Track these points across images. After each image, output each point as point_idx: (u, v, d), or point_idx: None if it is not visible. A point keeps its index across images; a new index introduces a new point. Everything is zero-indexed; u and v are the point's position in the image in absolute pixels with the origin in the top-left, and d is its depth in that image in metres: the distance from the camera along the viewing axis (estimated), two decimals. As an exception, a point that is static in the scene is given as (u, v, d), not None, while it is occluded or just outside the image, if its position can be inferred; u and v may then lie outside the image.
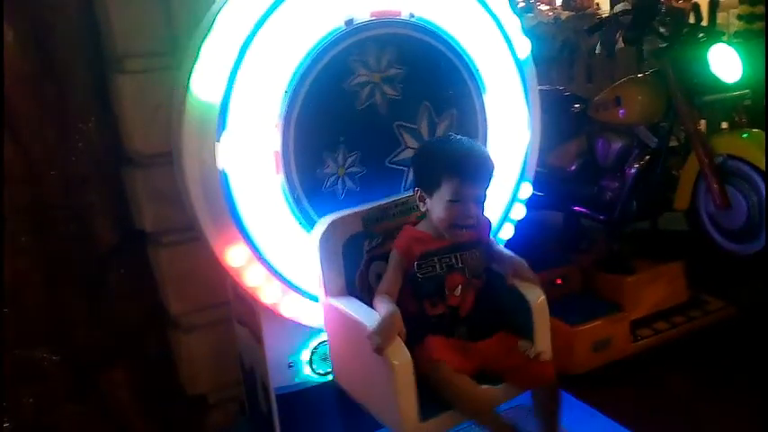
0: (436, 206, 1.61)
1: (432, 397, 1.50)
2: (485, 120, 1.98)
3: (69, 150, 2.01)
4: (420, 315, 1.61)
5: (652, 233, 3.12)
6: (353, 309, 1.61)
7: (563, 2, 7.90)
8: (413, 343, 1.49)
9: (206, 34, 1.59)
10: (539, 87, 2.11)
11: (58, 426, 2.06)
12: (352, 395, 1.71)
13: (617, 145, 2.86)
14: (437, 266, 1.62)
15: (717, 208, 2.70)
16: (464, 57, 1.91)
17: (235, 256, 1.68)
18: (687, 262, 2.91)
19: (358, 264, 1.70)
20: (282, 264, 1.72)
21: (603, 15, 5.69)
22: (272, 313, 1.76)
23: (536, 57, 2.09)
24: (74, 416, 2.08)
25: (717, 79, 2.66)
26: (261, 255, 1.69)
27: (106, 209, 2.08)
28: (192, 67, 1.59)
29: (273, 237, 1.70)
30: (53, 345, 2.05)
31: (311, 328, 1.82)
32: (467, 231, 1.62)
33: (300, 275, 1.75)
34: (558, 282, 2.80)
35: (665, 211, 2.94)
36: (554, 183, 3.02)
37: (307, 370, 1.89)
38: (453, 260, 1.63)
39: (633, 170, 2.78)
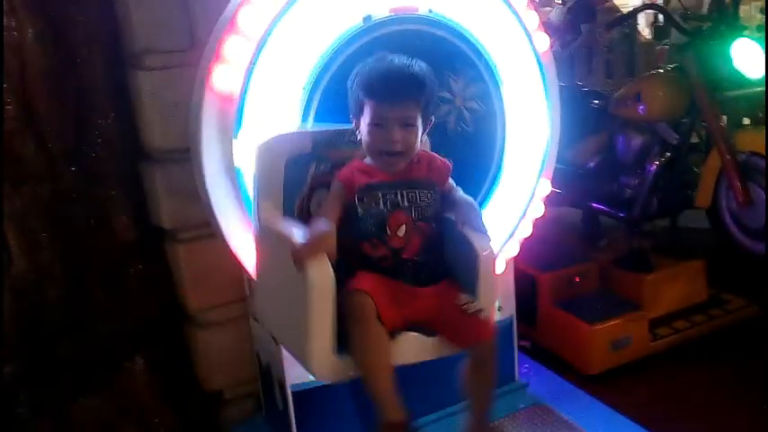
0: (363, 132, 1.50)
1: None
2: (503, 116, 1.97)
3: (89, 146, 2.02)
4: (360, 255, 1.49)
5: (672, 231, 3.08)
6: (285, 226, 1.48)
7: (581, -5, 7.80)
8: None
9: (224, 31, 1.59)
10: (558, 83, 2.08)
11: (76, 419, 2.07)
12: (269, 327, 1.58)
13: (637, 141, 2.82)
14: (380, 203, 1.49)
15: (739, 205, 2.66)
16: (482, 52, 1.89)
17: (251, 253, 1.68)
18: (707, 260, 2.87)
19: (300, 188, 1.57)
20: (299, 261, 1.71)
21: (623, 10, 5.61)
22: (289, 310, 1.76)
23: (553, 51, 2.06)
24: (92, 410, 2.10)
25: (740, 75, 2.62)
26: (277, 252, 1.69)
27: (125, 204, 2.09)
28: (210, 63, 1.59)
29: (290, 234, 1.70)
30: (72, 339, 2.06)
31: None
32: (396, 159, 1.49)
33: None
34: (577, 279, 2.77)
35: (685, 208, 2.90)
36: (572, 179, 2.99)
37: (323, 367, 1.89)
38: (399, 198, 1.50)
39: (654, 167, 2.74)
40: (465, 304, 1.46)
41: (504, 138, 1.98)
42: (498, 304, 2.14)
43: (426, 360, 1.49)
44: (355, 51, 1.68)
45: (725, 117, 2.82)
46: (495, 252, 1.51)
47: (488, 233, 1.53)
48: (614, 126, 2.94)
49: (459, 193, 1.59)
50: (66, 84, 1.97)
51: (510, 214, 2.06)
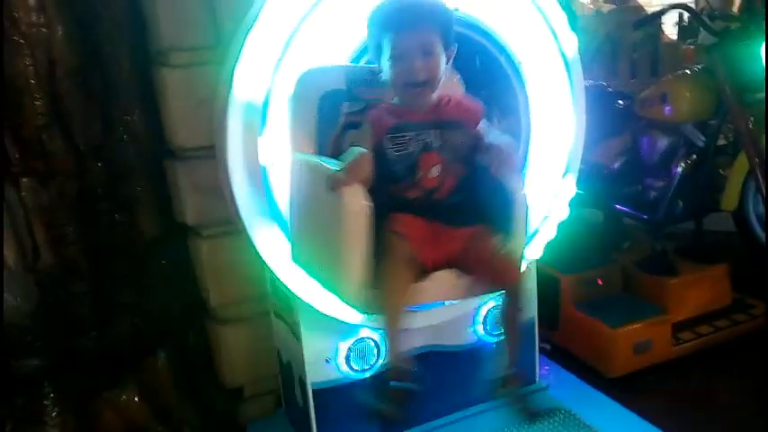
0: (386, 71, 1.48)
1: None
2: (528, 115, 1.95)
3: (115, 142, 2.04)
4: (393, 198, 1.48)
5: (697, 234, 3.04)
6: (319, 158, 1.48)
7: (604, -6, 7.71)
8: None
9: (250, 29, 1.59)
10: (585, 83, 2.06)
11: (99, 413, 2.10)
12: (307, 271, 1.59)
13: (663, 143, 2.78)
14: (410, 144, 1.47)
15: (766, 209, 2.61)
16: (507, 52, 1.87)
17: (274, 251, 1.69)
18: (732, 264, 2.83)
19: (333, 126, 1.56)
20: (322, 259, 1.72)
21: (649, 9, 5.54)
22: (310, 308, 1.76)
23: (581, 50, 2.04)
24: (115, 403, 2.12)
25: (769, 76, 2.57)
26: (300, 250, 1.69)
27: (149, 201, 2.11)
28: (236, 62, 1.59)
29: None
30: (96, 333, 2.09)
31: (349, 323, 1.82)
32: (422, 90, 1.47)
33: (339, 271, 1.74)
34: (599, 282, 2.75)
35: (711, 211, 2.86)
36: (596, 180, 2.96)
37: (344, 366, 1.90)
38: (430, 138, 1.48)
39: (679, 169, 2.70)
40: (497, 247, 1.47)
41: (528, 137, 1.96)
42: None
43: (459, 298, 1.53)
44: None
45: (753, 119, 2.78)
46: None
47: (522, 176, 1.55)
48: (639, 127, 2.90)
49: (494, 134, 1.58)
50: (93, 81, 1.99)
51: (534, 216, 2.04)
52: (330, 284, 1.50)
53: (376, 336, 1.91)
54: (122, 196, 2.06)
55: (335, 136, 1.56)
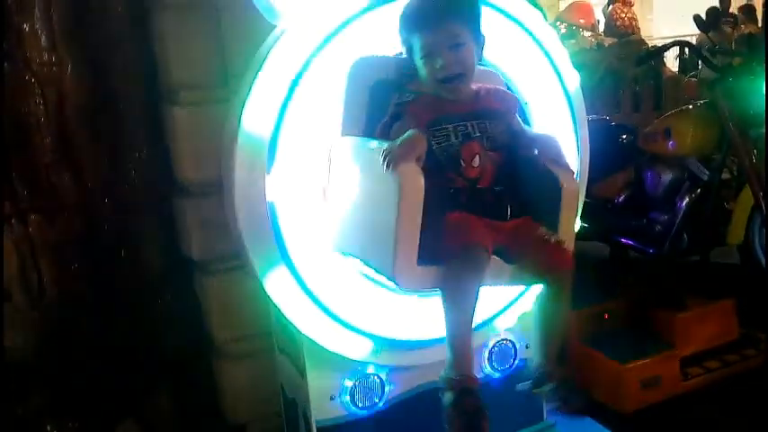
0: (420, 69, 1.52)
1: (431, 248, 1.40)
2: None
3: (123, 178, 2.06)
4: (437, 190, 1.47)
5: (702, 267, 3.03)
6: (368, 139, 1.51)
7: (605, 28, 7.83)
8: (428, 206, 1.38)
9: (258, 68, 1.61)
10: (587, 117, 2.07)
11: (102, 450, 2.08)
12: (347, 251, 1.59)
13: (667, 177, 2.80)
14: (451, 135, 1.50)
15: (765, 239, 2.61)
16: (511, 88, 1.89)
17: (279, 287, 1.69)
18: (739, 298, 2.81)
19: (382, 115, 1.59)
20: (327, 296, 1.72)
21: (650, 42, 5.61)
22: (315, 344, 1.75)
23: (579, 86, 2.06)
24: (117, 440, 2.10)
25: (772, 111, 2.59)
26: (305, 286, 1.69)
27: (156, 236, 2.12)
28: (244, 100, 1.61)
29: (319, 269, 1.70)
30: (100, 370, 2.08)
31: (354, 360, 1.81)
32: (457, 83, 1.50)
33: (345, 308, 1.74)
34: (606, 317, 2.73)
35: (717, 245, 2.85)
36: (601, 214, 2.96)
37: (349, 404, 1.87)
38: (469, 128, 1.51)
39: (684, 203, 2.71)
40: (547, 235, 1.48)
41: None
42: (526, 341, 2.11)
43: (502, 285, 1.52)
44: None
45: (756, 152, 2.79)
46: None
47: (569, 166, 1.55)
48: (643, 161, 2.92)
49: (533, 129, 1.62)
50: (102, 117, 2.02)
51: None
52: (377, 261, 1.49)
53: (382, 372, 1.89)
54: (129, 232, 2.08)
55: (383, 124, 1.58)
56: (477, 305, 1.43)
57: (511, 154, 1.56)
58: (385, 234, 1.39)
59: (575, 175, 1.55)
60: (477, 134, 1.52)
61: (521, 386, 1.61)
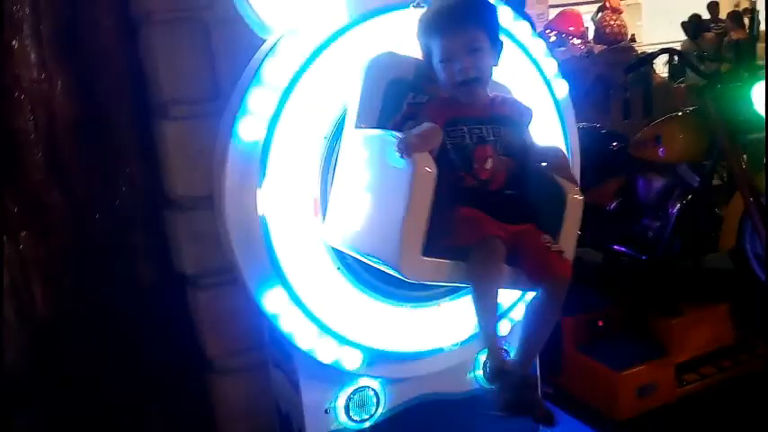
0: (438, 72, 1.55)
1: (438, 242, 1.43)
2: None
3: (113, 194, 2.05)
4: (451, 185, 1.52)
5: (695, 273, 3.04)
6: (382, 130, 1.54)
7: (595, 35, 7.88)
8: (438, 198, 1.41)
9: (248, 82, 1.62)
10: (577, 124, 2.09)
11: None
12: (343, 243, 1.60)
13: (658, 183, 2.82)
14: (466, 136, 1.54)
15: (764, 248, 2.62)
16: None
17: (272, 301, 1.69)
18: (732, 303, 2.82)
19: (394, 113, 1.62)
20: (320, 309, 1.71)
21: (640, 52, 5.65)
22: (309, 358, 1.75)
23: (569, 93, 2.07)
24: (111, 458, 2.08)
25: (760, 117, 2.61)
26: (298, 299, 1.69)
27: (147, 251, 2.11)
28: (235, 114, 1.62)
29: (311, 281, 1.70)
30: (93, 385, 2.06)
31: (348, 373, 1.80)
32: (474, 87, 1.54)
33: (338, 321, 1.73)
34: (600, 324, 2.73)
35: (709, 251, 2.86)
36: (592, 221, 2.97)
37: (343, 416, 1.87)
38: (484, 131, 1.55)
39: (675, 209, 2.73)
40: (549, 243, 1.52)
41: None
42: (521, 350, 2.11)
43: (503, 287, 1.52)
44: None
45: (746, 157, 2.81)
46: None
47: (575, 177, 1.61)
48: (634, 168, 2.94)
49: (542, 144, 1.66)
50: (93, 133, 2.01)
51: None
52: (381, 251, 1.49)
53: (376, 384, 1.89)
54: (121, 247, 2.07)
55: (395, 121, 1.61)
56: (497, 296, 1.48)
57: (521, 162, 1.60)
58: (392, 223, 1.41)
59: (577, 186, 1.58)
60: (492, 138, 1.56)
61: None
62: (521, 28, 1.90)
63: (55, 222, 1.96)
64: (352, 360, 1.77)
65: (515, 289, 1.61)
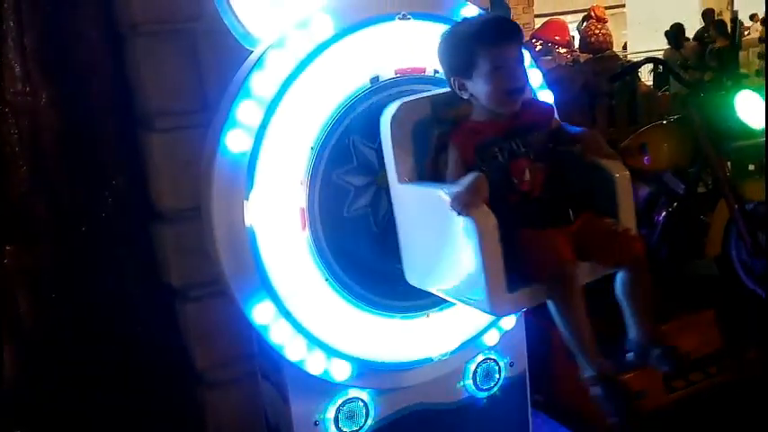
0: (480, 84, 1.57)
1: (513, 270, 1.48)
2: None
3: (99, 207, 2.04)
4: (497, 204, 1.53)
5: (682, 280, 3.06)
6: (430, 185, 1.60)
7: (580, 44, 7.96)
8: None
9: (235, 94, 1.62)
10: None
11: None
12: (427, 287, 1.67)
13: (644, 192, 2.84)
14: (498, 156, 1.57)
15: (749, 255, 2.65)
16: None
17: (260, 312, 1.68)
18: (719, 309, 2.84)
19: (427, 151, 1.66)
20: (308, 320, 1.71)
21: (625, 60, 5.70)
22: (297, 369, 1.74)
23: (555, 101, 2.09)
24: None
25: (744, 125, 2.64)
26: (286, 311, 1.68)
27: (134, 263, 2.10)
28: (222, 125, 1.61)
29: (299, 293, 1.70)
30: (80, 400, 2.04)
31: (337, 384, 1.79)
32: (519, 96, 1.58)
33: (326, 332, 1.73)
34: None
35: (695, 257, 2.89)
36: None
37: (332, 428, 1.86)
38: (514, 146, 1.59)
39: (661, 217, 2.75)
40: (614, 226, 1.55)
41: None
42: (510, 360, 2.11)
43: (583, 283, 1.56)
44: (362, 112, 1.71)
45: (730, 164, 2.84)
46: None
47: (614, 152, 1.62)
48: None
49: (567, 126, 1.68)
50: (78, 146, 2.00)
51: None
52: (468, 298, 1.55)
53: (365, 395, 1.88)
54: (107, 260, 2.05)
55: (431, 159, 1.66)
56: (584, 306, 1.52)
57: (556, 160, 1.63)
58: (472, 273, 1.47)
59: (620, 163, 1.60)
60: (523, 150, 1.59)
61: (629, 356, 1.67)
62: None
63: (40, 235, 1.95)
64: (341, 371, 1.76)
65: (598, 277, 1.62)
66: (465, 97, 1.62)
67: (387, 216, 1.76)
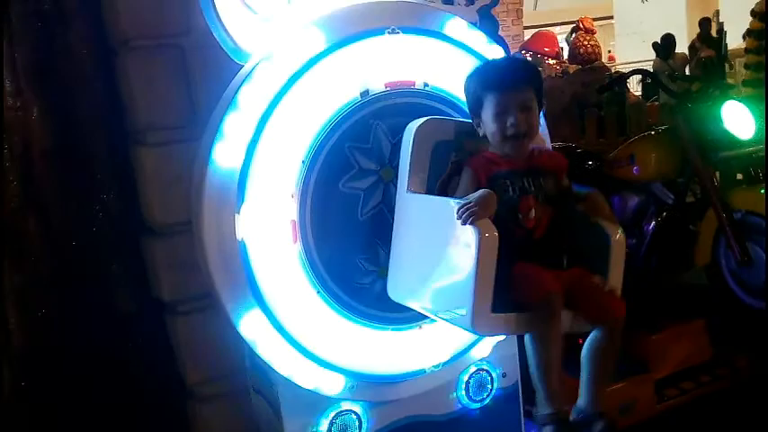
0: (488, 124, 1.65)
1: (500, 296, 1.51)
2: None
3: (90, 221, 2.03)
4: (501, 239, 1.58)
5: (672, 289, 3.08)
6: (437, 197, 1.67)
7: (569, 55, 8.03)
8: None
9: (226, 108, 1.63)
10: (551, 144, 2.12)
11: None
12: (409, 301, 1.70)
13: (633, 202, 2.86)
14: (509, 190, 1.63)
15: (738, 264, 2.67)
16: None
17: (251, 326, 1.68)
18: (709, 318, 2.85)
19: (441, 172, 1.73)
20: (300, 333, 1.71)
21: (614, 71, 5.75)
22: (290, 383, 1.73)
23: (545, 112, 2.10)
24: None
25: (731, 135, 2.67)
26: (278, 324, 1.69)
27: (125, 278, 2.09)
28: (212, 139, 1.62)
29: (291, 306, 1.70)
30: (71, 415, 2.02)
31: (329, 397, 1.79)
32: (522, 141, 1.64)
33: (318, 345, 1.73)
34: (580, 341, 2.74)
35: (685, 267, 2.90)
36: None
37: (326, 442, 1.85)
38: (525, 184, 1.65)
39: (651, 227, 2.77)
40: (601, 284, 1.62)
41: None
42: (502, 370, 2.11)
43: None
44: (353, 125, 1.73)
45: (718, 174, 2.87)
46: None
47: (614, 216, 1.70)
48: (609, 187, 2.97)
49: (580, 187, 1.77)
50: (69, 160, 2.00)
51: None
52: (450, 312, 1.57)
53: (358, 408, 1.88)
54: (98, 275, 2.04)
55: (443, 180, 1.74)
56: (560, 346, 1.57)
57: (561, 208, 1.69)
58: (461, 285, 1.50)
59: (618, 227, 1.68)
60: (533, 189, 1.65)
61: (572, 419, 1.66)
62: (494, 52, 1.93)
63: (31, 250, 1.94)
64: (333, 384, 1.76)
65: (573, 332, 1.69)
66: (481, 134, 1.70)
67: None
